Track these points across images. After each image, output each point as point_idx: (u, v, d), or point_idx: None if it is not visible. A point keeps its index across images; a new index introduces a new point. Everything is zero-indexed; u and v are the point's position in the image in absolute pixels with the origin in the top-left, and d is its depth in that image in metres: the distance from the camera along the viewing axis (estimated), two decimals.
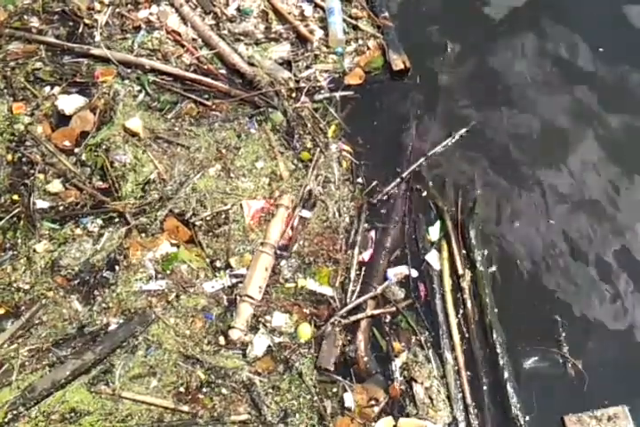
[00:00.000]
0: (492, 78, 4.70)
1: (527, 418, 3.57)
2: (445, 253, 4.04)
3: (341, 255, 4.05)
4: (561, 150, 4.39)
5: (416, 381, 3.66)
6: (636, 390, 3.62)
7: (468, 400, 3.63)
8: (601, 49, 4.75)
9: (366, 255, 4.08)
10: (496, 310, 3.84)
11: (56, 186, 4.31)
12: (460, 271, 3.95)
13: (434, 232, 4.12)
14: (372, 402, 3.65)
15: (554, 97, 4.59)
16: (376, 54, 4.82)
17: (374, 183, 4.30)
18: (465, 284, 3.92)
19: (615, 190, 4.22)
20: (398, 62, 4.70)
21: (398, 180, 4.29)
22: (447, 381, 3.67)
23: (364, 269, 4.02)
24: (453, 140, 4.43)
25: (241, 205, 4.19)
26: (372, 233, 4.14)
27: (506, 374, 3.66)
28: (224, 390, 3.66)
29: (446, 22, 4.96)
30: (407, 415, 3.59)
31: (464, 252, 4.02)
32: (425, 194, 4.27)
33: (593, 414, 3.53)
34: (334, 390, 3.68)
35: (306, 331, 3.81)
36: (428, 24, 4.98)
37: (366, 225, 4.17)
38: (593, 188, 4.24)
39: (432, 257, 4.03)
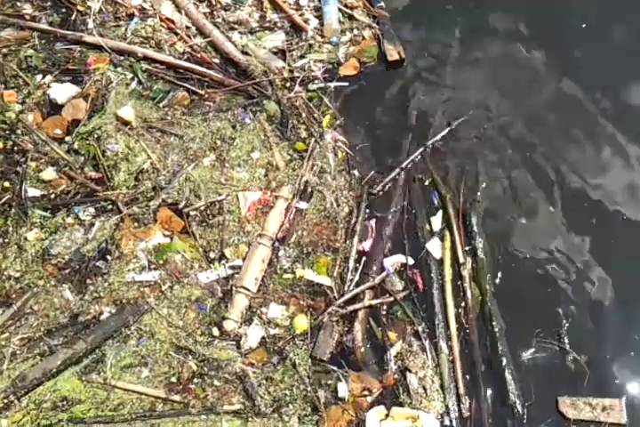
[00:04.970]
0: (497, 65, 4.70)
1: (525, 405, 3.57)
2: (448, 243, 4.03)
3: (340, 244, 4.03)
4: (566, 138, 4.39)
5: (410, 371, 3.66)
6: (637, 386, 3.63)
7: (461, 390, 3.62)
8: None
9: (366, 245, 4.06)
10: (496, 299, 3.85)
11: (50, 173, 4.27)
12: (461, 260, 3.95)
13: (436, 222, 4.11)
14: (366, 392, 3.64)
15: (561, 84, 4.59)
16: (371, 44, 4.80)
17: (372, 173, 4.27)
18: (466, 272, 3.92)
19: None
20: (393, 53, 4.68)
21: (398, 170, 4.27)
22: (441, 370, 3.67)
23: (363, 258, 4.00)
24: (452, 129, 4.42)
25: (237, 196, 4.17)
26: (373, 222, 4.13)
27: (504, 361, 3.66)
28: (216, 382, 3.64)
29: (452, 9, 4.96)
30: (400, 405, 3.59)
31: (465, 239, 4.02)
32: (427, 183, 4.26)
33: (588, 401, 3.53)
34: (329, 381, 3.67)
35: (302, 322, 3.80)
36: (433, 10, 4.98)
37: (367, 214, 4.15)
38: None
39: (433, 246, 4.03)
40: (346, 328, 3.81)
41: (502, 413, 3.58)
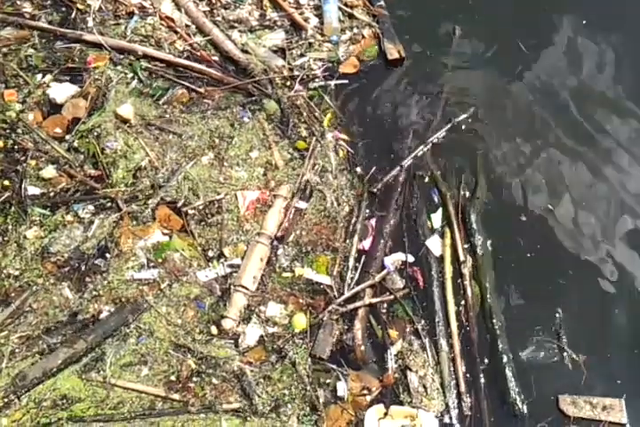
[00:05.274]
0: (496, 63, 4.71)
1: (526, 403, 3.56)
2: (448, 240, 4.02)
3: (340, 243, 4.02)
4: (568, 136, 4.38)
5: (410, 369, 3.65)
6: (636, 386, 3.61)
7: (462, 388, 3.61)
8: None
9: (366, 244, 4.05)
10: (496, 297, 3.85)
11: (50, 171, 4.27)
12: (462, 257, 3.94)
13: (436, 219, 4.11)
14: (365, 391, 3.63)
15: (561, 82, 4.59)
16: (371, 43, 4.80)
17: (373, 171, 4.26)
18: (466, 270, 3.91)
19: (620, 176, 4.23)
20: (393, 51, 4.68)
21: (398, 168, 4.26)
22: (441, 368, 3.66)
23: (363, 257, 3.99)
24: (452, 126, 4.42)
25: (235, 195, 4.16)
26: (372, 221, 4.12)
27: (505, 359, 3.66)
28: (215, 380, 3.64)
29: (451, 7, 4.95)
30: (401, 403, 3.58)
31: (465, 237, 4.02)
32: (427, 180, 4.25)
33: (589, 399, 3.53)
34: (328, 380, 3.66)
35: (301, 321, 3.79)
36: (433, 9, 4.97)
37: (367, 214, 4.14)
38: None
39: (433, 242, 4.03)
40: (346, 326, 3.80)
41: (503, 410, 3.57)
